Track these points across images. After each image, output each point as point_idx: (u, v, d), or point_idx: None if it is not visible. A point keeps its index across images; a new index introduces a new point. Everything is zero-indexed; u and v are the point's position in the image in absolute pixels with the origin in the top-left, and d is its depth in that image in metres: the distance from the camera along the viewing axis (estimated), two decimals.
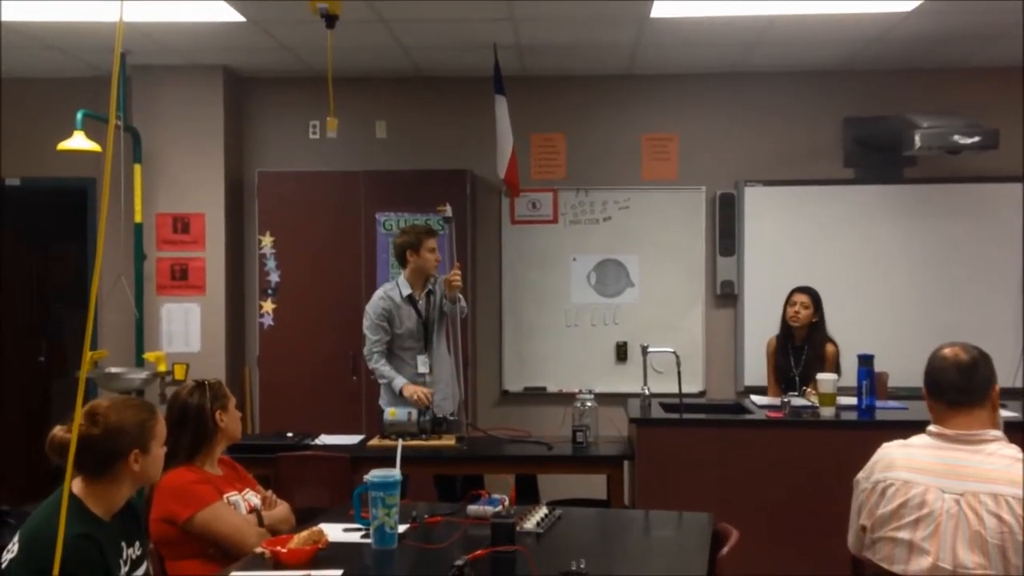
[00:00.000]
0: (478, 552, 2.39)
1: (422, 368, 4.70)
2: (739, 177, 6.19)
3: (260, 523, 2.96)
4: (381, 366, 4.73)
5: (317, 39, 5.05)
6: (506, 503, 2.98)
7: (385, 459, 4.15)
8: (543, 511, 2.98)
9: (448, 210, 4.69)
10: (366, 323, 4.81)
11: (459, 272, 4.77)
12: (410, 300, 4.78)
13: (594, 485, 4.80)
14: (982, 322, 5.91)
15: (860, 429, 4.25)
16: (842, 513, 2.75)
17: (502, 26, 5.16)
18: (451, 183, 5.97)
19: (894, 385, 5.26)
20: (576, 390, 5.84)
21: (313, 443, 4.55)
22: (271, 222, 6.11)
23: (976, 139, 5.15)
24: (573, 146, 6.33)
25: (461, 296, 4.83)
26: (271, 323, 6.11)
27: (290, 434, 4.70)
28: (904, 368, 5.33)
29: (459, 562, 2.25)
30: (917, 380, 5.77)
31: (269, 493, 3.16)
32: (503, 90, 5.56)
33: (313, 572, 2.45)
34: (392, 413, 4.59)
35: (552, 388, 6.26)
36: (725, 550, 2.66)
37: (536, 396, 6.27)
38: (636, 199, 6.26)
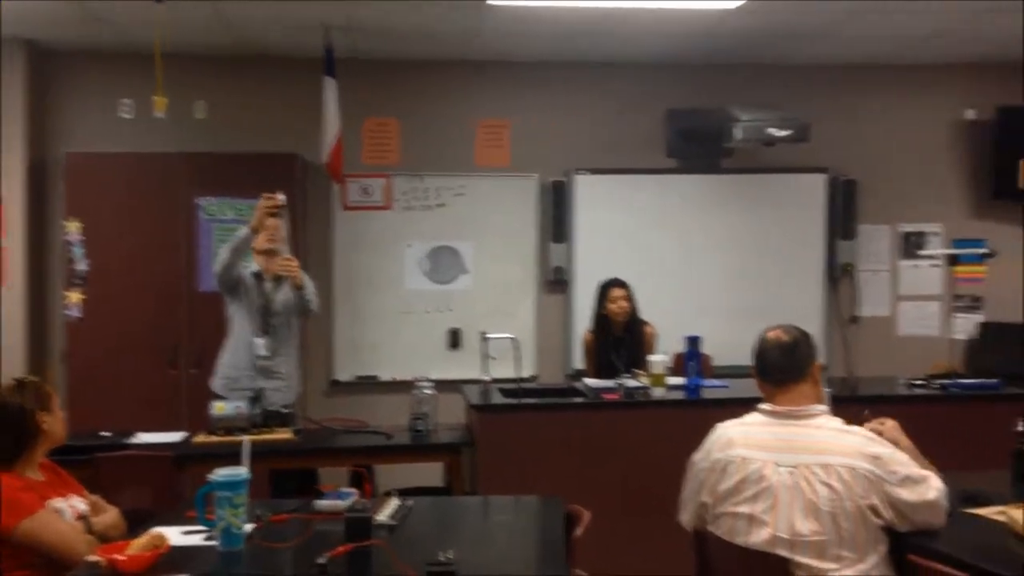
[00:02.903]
0: (339, 549, 2.33)
1: (260, 351, 4.57)
2: (570, 165, 6.33)
3: (88, 530, 2.77)
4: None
5: (131, 12, 4.78)
6: (360, 496, 2.92)
7: (213, 457, 3.99)
8: (395, 503, 2.95)
9: (280, 197, 4.54)
10: None
11: (289, 260, 4.62)
12: (257, 278, 4.64)
13: (429, 474, 4.79)
14: (790, 304, 6.30)
15: (690, 407, 4.44)
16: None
17: (335, 7, 5.03)
18: (279, 167, 5.79)
19: (717, 364, 5.56)
20: (409, 378, 5.87)
21: (132, 442, 4.31)
22: (80, 207, 5.73)
23: (789, 132, 5.50)
24: (407, 131, 6.27)
25: (311, 288, 4.71)
26: (79, 315, 5.74)
27: (106, 433, 4.42)
28: (725, 348, 5.68)
29: (321, 560, 2.18)
30: (737, 359, 6.17)
31: (96, 498, 2.97)
32: (334, 73, 5.44)
33: None
34: (220, 408, 4.40)
35: (384, 376, 6.20)
36: (579, 530, 2.72)
37: (368, 385, 6.20)
38: (470, 186, 6.28)
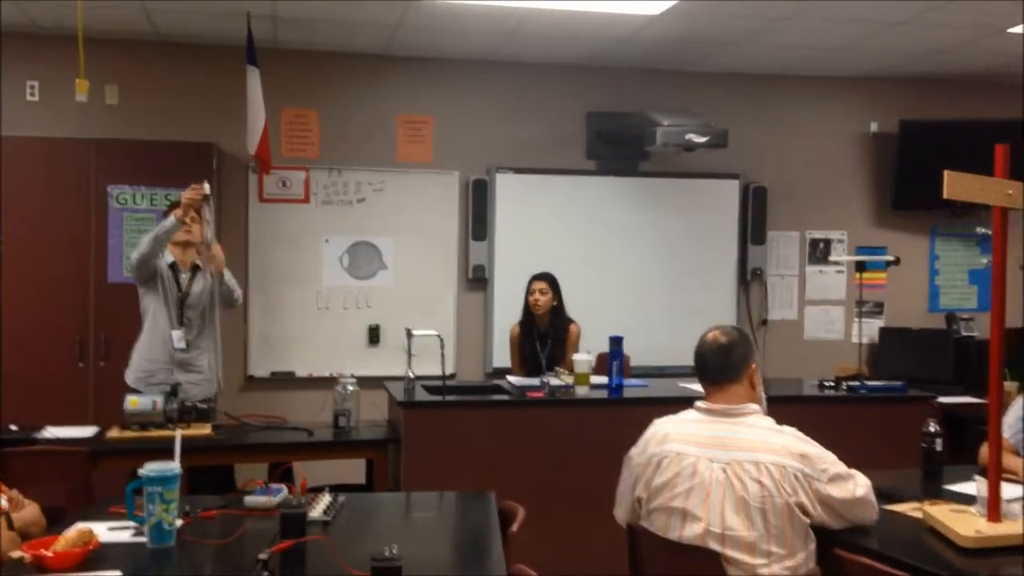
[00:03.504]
0: (282, 544, 2.30)
1: (177, 344, 4.48)
2: (491, 163, 6.35)
3: (10, 526, 2.67)
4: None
5: None
6: (296, 491, 2.88)
7: (128, 453, 3.92)
8: (327, 498, 2.93)
9: (205, 187, 4.46)
10: None
11: (216, 248, 4.57)
12: (173, 269, 4.55)
13: (349, 471, 4.75)
14: (705, 306, 6.48)
15: (613, 406, 4.53)
16: (609, 482, 2.91)
17: None
18: (195, 156, 5.67)
19: (634, 364, 5.64)
20: (327, 374, 5.84)
21: (42, 436, 4.15)
22: None
23: (708, 138, 5.63)
24: (327, 124, 6.19)
25: (232, 281, 4.67)
26: None
27: (14, 427, 4.26)
28: (641, 348, 5.80)
29: (262, 556, 2.15)
30: (653, 359, 6.28)
31: (14, 492, 2.86)
32: (256, 61, 5.35)
33: (89, 575, 2.26)
34: (134, 403, 4.29)
35: (301, 372, 6.12)
36: (515, 526, 2.74)
37: (284, 381, 6.10)
38: (391, 181, 6.24)
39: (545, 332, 5.31)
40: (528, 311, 5.33)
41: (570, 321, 5.33)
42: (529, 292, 5.30)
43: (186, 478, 4.40)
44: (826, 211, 6.86)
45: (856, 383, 4.90)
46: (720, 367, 2.75)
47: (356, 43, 5.95)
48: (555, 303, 5.29)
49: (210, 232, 4.58)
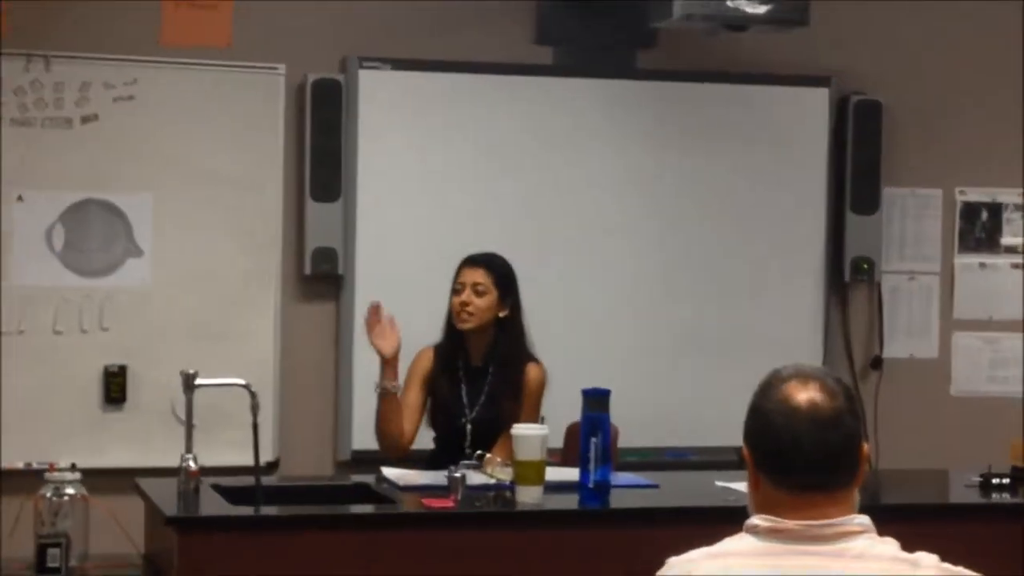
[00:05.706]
0: None
1: None
2: (349, 51, 6.41)
3: None
4: None
5: None
6: None
7: None
8: None
9: None
10: None
11: None
12: None
13: None
14: (762, 330, 6.61)
15: (588, 526, 4.57)
16: None
17: None
18: None
19: (624, 445, 5.67)
20: (22, 464, 5.81)
21: None
22: None
23: (770, 8, 5.69)
24: None
25: None
26: None
27: None
28: (646, 411, 5.85)
29: None
30: (667, 435, 6.32)
31: None
32: None
33: None
34: None
35: None
36: None
37: None
38: (148, 83, 6.26)
39: (480, 368, 5.35)
40: (452, 329, 5.36)
41: (530, 358, 5.36)
42: (454, 289, 5.32)
43: None
44: (991, 152, 7.03)
45: None
46: (828, 460, 2.74)
47: None
48: (502, 314, 5.32)
49: None
